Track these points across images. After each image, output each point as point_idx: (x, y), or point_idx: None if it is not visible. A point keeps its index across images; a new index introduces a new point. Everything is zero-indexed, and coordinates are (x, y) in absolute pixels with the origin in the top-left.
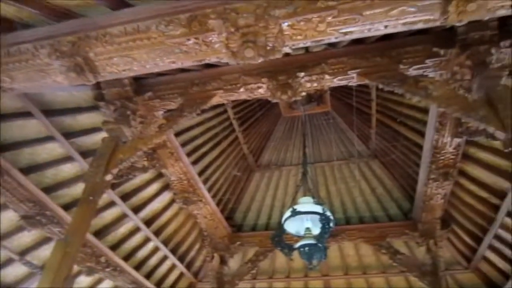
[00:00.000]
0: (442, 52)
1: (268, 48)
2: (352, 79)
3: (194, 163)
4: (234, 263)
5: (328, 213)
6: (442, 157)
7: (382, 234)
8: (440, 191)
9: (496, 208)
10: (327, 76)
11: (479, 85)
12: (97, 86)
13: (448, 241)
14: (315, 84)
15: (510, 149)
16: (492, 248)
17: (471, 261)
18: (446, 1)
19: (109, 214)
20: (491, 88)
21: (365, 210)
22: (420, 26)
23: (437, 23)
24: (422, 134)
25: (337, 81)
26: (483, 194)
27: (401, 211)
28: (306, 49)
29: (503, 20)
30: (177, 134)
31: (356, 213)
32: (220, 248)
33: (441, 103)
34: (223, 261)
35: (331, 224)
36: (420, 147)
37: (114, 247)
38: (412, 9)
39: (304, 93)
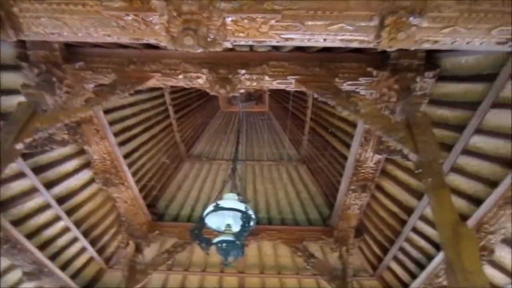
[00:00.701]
0: (374, 72)
1: (209, 39)
2: (290, 84)
3: (121, 144)
4: (149, 252)
5: (250, 212)
6: (363, 171)
7: (300, 237)
8: (357, 202)
9: (403, 223)
10: (267, 78)
11: (402, 109)
12: (22, 45)
13: (359, 249)
14: (254, 83)
15: (420, 170)
16: (396, 259)
17: (377, 270)
18: (380, 26)
19: (17, 186)
20: (412, 113)
21: (288, 212)
22: (355, 45)
23: (371, 45)
24: (348, 146)
25: (276, 84)
26: (395, 209)
27: (321, 217)
28: (251, 47)
29: (430, 52)
30: (107, 112)
31: (279, 214)
32: (137, 236)
33: (367, 120)
34: (138, 249)
35: (252, 223)
36: (346, 158)
37: (18, 222)
38: (350, 28)
39: (242, 90)
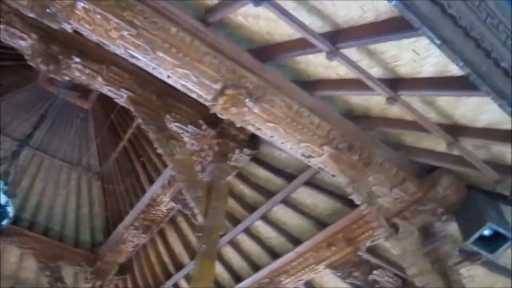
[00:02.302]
0: (204, 126)
1: (48, 11)
2: (121, 98)
3: None
4: None
5: (9, 209)
6: (154, 212)
7: (57, 255)
8: (134, 240)
9: (168, 276)
10: (100, 79)
11: (211, 171)
12: None
13: None
14: (83, 78)
15: (199, 234)
16: None
17: None
18: (220, 92)
19: None
20: (217, 178)
21: (57, 223)
22: (194, 95)
23: (206, 103)
24: (152, 183)
25: (106, 90)
26: (166, 259)
27: (91, 241)
28: None
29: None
30: None
31: (46, 221)
32: None
33: (176, 167)
34: None
35: (4, 222)
36: (144, 193)
37: None
38: (194, 79)
39: (67, 78)
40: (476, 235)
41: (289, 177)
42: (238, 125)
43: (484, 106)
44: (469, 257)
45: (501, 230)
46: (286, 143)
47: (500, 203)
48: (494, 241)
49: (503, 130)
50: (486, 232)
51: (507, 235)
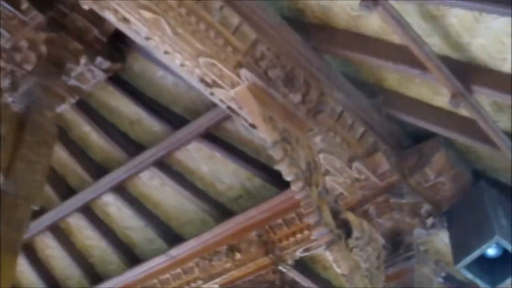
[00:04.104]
0: (25, 5)
1: None
2: None
3: None
4: None
5: None
6: None
7: None
8: None
9: None
10: None
11: (27, 94)
12: None
13: None
14: None
15: None
16: None
17: None
18: None
19: None
20: (42, 108)
21: None
22: None
23: None
24: None
25: None
26: None
27: None
28: None
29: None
30: None
31: None
32: None
33: None
34: None
35: None
36: None
37: None
38: None
39: None
40: (475, 254)
41: (176, 121)
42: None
43: None
44: None
45: None
46: (175, 54)
47: None
48: (500, 267)
49: None
50: (491, 251)
51: None
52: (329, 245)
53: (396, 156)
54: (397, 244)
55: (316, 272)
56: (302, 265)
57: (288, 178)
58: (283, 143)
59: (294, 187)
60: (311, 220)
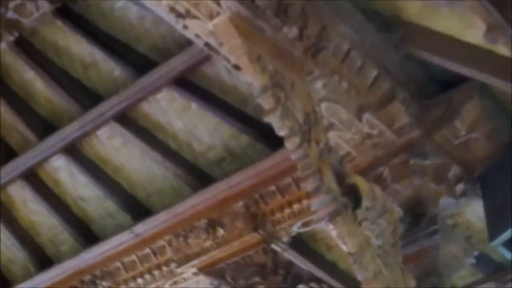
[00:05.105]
0: None
1: None
2: None
3: None
4: None
5: None
6: None
7: None
8: None
9: None
10: None
11: None
12: None
13: None
14: None
15: None
16: None
17: None
18: None
19: None
20: None
21: None
22: None
23: None
24: None
25: None
26: None
27: None
28: None
29: None
30: None
31: None
32: None
33: None
34: None
35: None
36: None
37: None
38: None
39: None
40: None
41: (141, 64)
42: None
43: None
44: (496, 273)
45: None
46: None
47: None
48: None
49: None
50: None
51: None
52: (332, 217)
53: (418, 106)
54: (418, 217)
55: (318, 252)
56: (300, 244)
57: (281, 133)
58: (274, 89)
59: (288, 145)
60: (309, 185)
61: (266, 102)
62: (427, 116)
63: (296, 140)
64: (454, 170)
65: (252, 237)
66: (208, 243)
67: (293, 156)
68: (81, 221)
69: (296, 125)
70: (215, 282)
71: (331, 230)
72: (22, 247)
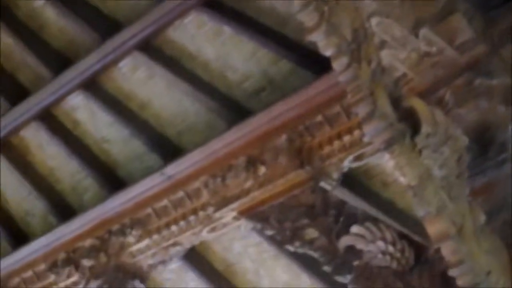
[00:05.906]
0: None
1: None
2: None
3: None
4: None
5: None
6: None
7: None
8: None
9: None
10: None
11: None
12: None
13: None
14: None
15: None
16: None
17: None
18: None
19: None
20: None
21: None
22: None
23: None
24: None
25: None
26: None
27: None
28: None
29: None
30: None
31: None
32: None
33: None
34: None
35: None
36: None
37: None
38: None
39: None
40: None
41: None
42: None
43: None
44: None
45: None
46: None
47: None
48: None
49: None
50: None
51: None
52: (388, 145)
53: (482, 18)
54: (486, 144)
55: (372, 189)
56: (353, 181)
57: (326, 52)
58: (317, 2)
59: (336, 66)
60: (361, 111)
61: (308, 17)
62: (493, 29)
63: (344, 60)
64: None
65: (298, 175)
66: (248, 184)
67: (342, 79)
68: (105, 165)
69: (343, 42)
70: (258, 226)
71: (387, 162)
72: (41, 197)
